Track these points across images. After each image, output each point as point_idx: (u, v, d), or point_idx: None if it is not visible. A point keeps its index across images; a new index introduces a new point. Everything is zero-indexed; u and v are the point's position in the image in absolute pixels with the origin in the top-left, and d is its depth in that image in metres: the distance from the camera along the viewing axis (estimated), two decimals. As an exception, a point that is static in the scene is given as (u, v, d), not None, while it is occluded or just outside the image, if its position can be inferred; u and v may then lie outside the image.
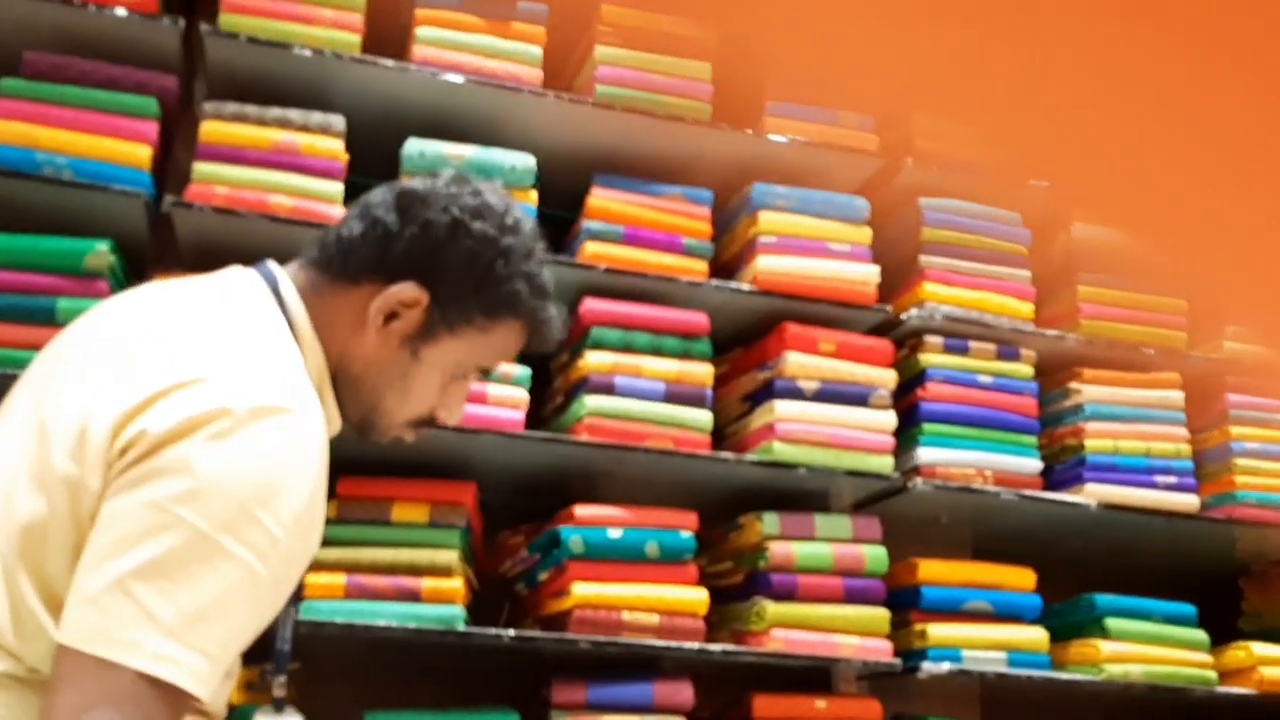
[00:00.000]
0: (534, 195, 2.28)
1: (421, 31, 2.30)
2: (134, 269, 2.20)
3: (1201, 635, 2.49)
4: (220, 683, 1.04)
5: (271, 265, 1.22)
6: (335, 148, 2.19)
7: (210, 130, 2.14)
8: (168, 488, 0.98)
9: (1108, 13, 0.49)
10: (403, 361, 1.21)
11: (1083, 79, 0.52)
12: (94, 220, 2.09)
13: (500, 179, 2.26)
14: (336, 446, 2.20)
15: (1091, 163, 0.57)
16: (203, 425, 1.00)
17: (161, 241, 2.20)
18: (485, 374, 1.28)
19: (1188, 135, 0.52)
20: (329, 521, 2.09)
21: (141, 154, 2.08)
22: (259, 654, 1.15)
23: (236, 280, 1.19)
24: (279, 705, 1.24)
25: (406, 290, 1.18)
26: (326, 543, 2.07)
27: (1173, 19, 0.48)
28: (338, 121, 2.20)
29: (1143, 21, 0.48)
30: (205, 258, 2.18)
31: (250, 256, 2.20)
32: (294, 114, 2.18)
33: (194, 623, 0.97)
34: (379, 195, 1.24)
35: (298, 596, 1.16)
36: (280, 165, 2.14)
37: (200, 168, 2.12)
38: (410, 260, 1.19)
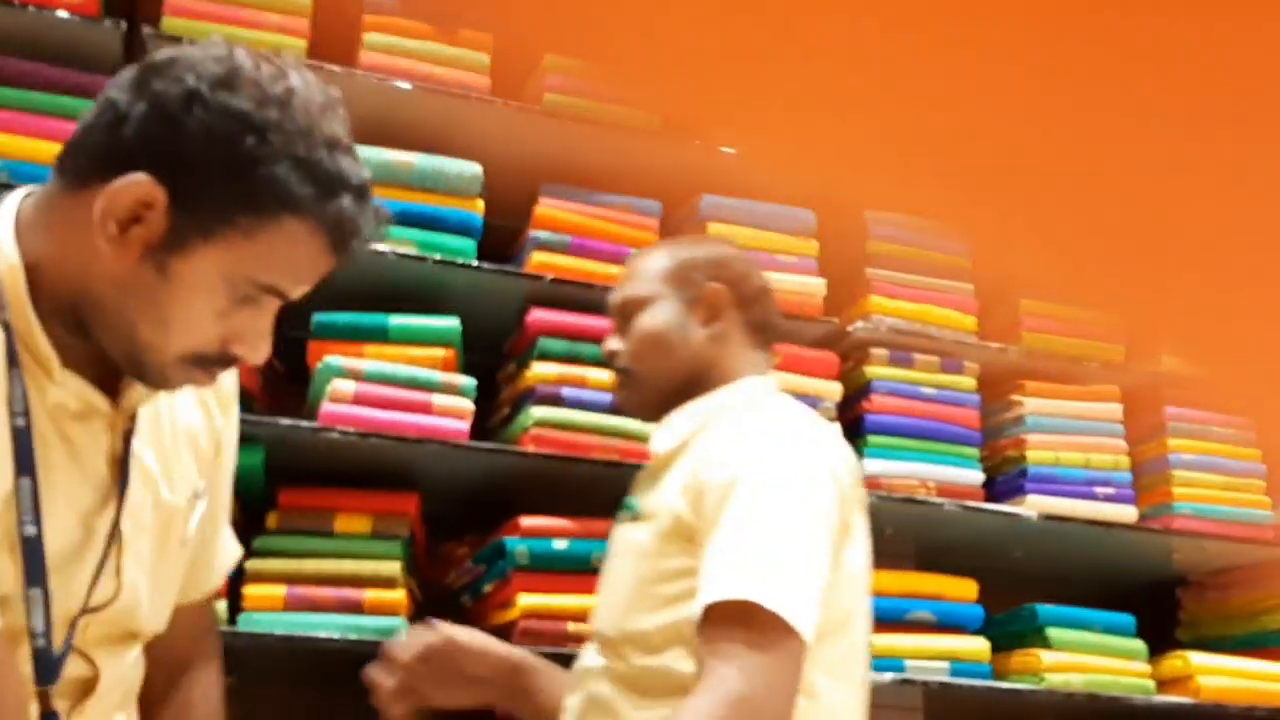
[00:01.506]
0: (480, 204, 2.27)
1: (369, 37, 2.28)
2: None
3: (1140, 645, 2.53)
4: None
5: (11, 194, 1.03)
6: (279, 153, 2.16)
7: (151, 134, 2.11)
8: None
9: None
10: (147, 279, 0.95)
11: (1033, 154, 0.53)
12: (30, 224, 2.05)
13: (446, 187, 2.25)
14: (277, 456, 2.17)
15: (1038, 247, 0.58)
16: None
17: (100, 246, 2.16)
18: (281, 296, 1.00)
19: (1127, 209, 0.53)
20: (271, 532, 2.08)
21: (80, 157, 2.04)
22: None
23: None
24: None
25: (136, 184, 0.93)
26: (267, 553, 2.05)
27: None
28: (282, 127, 2.18)
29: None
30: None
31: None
32: (237, 119, 2.15)
33: None
34: (125, 73, 0.99)
35: (34, 577, 0.94)
36: (223, 170, 2.11)
37: (140, 172, 2.08)
38: (140, 147, 0.94)
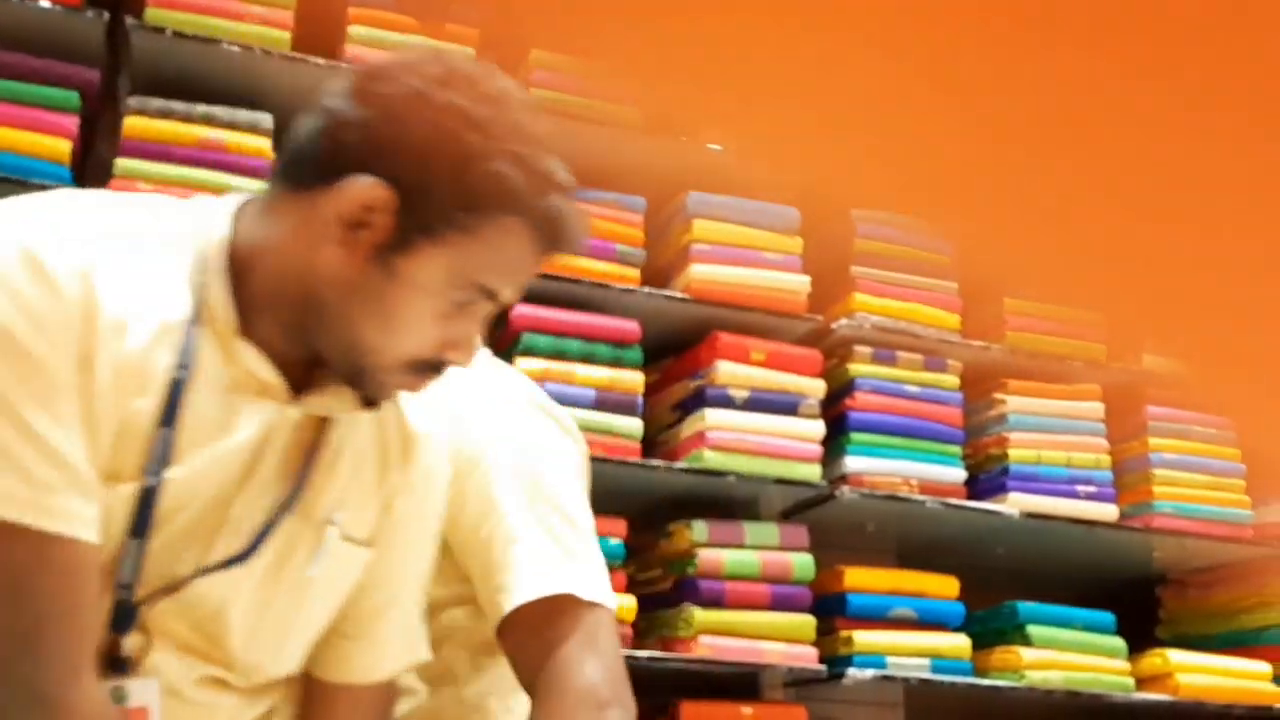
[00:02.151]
0: (466, 198, 2.26)
1: (354, 30, 2.27)
2: (52, 266, 2.14)
3: (1119, 643, 2.54)
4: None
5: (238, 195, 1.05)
6: (263, 146, 2.15)
7: (134, 126, 2.09)
8: None
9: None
10: (375, 281, 0.95)
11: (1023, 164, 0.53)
12: (11, 215, 2.03)
13: (432, 181, 2.24)
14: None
15: (1031, 248, 0.59)
16: None
17: (81, 238, 2.14)
18: (493, 298, 0.99)
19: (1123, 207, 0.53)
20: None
21: (61, 148, 2.03)
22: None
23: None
24: (119, 666, 0.97)
25: (365, 186, 0.93)
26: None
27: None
28: (265, 120, 2.17)
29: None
30: (127, 256, 2.13)
31: (174, 255, 2.15)
32: (220, 111, 2.14)
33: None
34: (338, 84, 0.99)
35: (140, 531, 0.94)
36: (206, 163, 2.10)
37: (123, 164, 2.07)
38: (366, 151, 0.94)
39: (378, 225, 0.94)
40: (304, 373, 1.01)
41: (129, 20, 2.11)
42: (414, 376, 0.99)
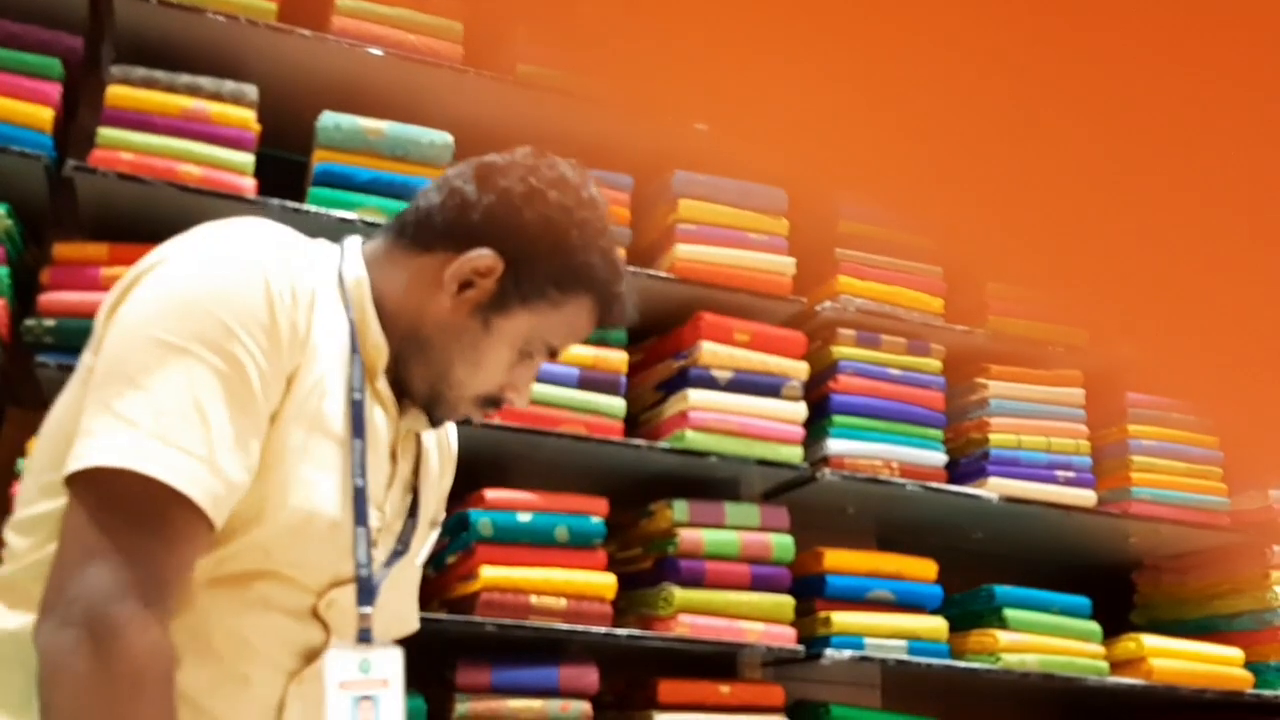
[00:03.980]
0: (451, 174, 2.25)
1: (342, 2, 2.25)
2: (32, 234, 2.13)
3: (1094, 627, 2.57)
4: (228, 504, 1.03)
5: (352, 237, 1.25)
6: (247, 117, 2.13)
7: (117, 94, 2.07)
8: (125, 319, 1.04)
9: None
10: (474, 331, 1.19)
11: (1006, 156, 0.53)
12: (-9, 183, 2.01)
13: (417, 156, 2.23)
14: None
15: (1008, 239, 0.59)
16: (151, 269, 1.07)
17: (62, 207, 2.13)
18: (553, 355, 1.26)
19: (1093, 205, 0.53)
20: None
21: (43, 115, 2.01)
22: None
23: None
24: (365, 637, 1.14)
25: (483, 257, 1.17)
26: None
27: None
28: (250, 91, 2.15)
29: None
30: (107, 224, 2.12)
31: (154, 225, 2.14)
32: (205, 81, 2.12)
33: (171, 422, 0.99)
34: (457, 168, 1.25)
35: (361, 518, 1.13)
36: (189, 133, 2.09)
37: (106, 133, 2.05)
38: (486, 228, 1.19)
39: (484, 288, 1.18)
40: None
41: (113, -13, 2.09)
42: (479, 408, 1.24)
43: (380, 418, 1.19)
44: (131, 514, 0.98)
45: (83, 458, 0.98)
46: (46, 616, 0.96)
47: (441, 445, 1.36)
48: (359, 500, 1.13)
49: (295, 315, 1.09)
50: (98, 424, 0.99)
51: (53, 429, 1.10)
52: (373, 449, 1.16)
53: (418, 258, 1.21)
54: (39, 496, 1.08)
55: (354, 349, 1.16)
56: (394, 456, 1.22)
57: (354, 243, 1.24)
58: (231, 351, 1.03)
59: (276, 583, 1.09)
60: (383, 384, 1.19)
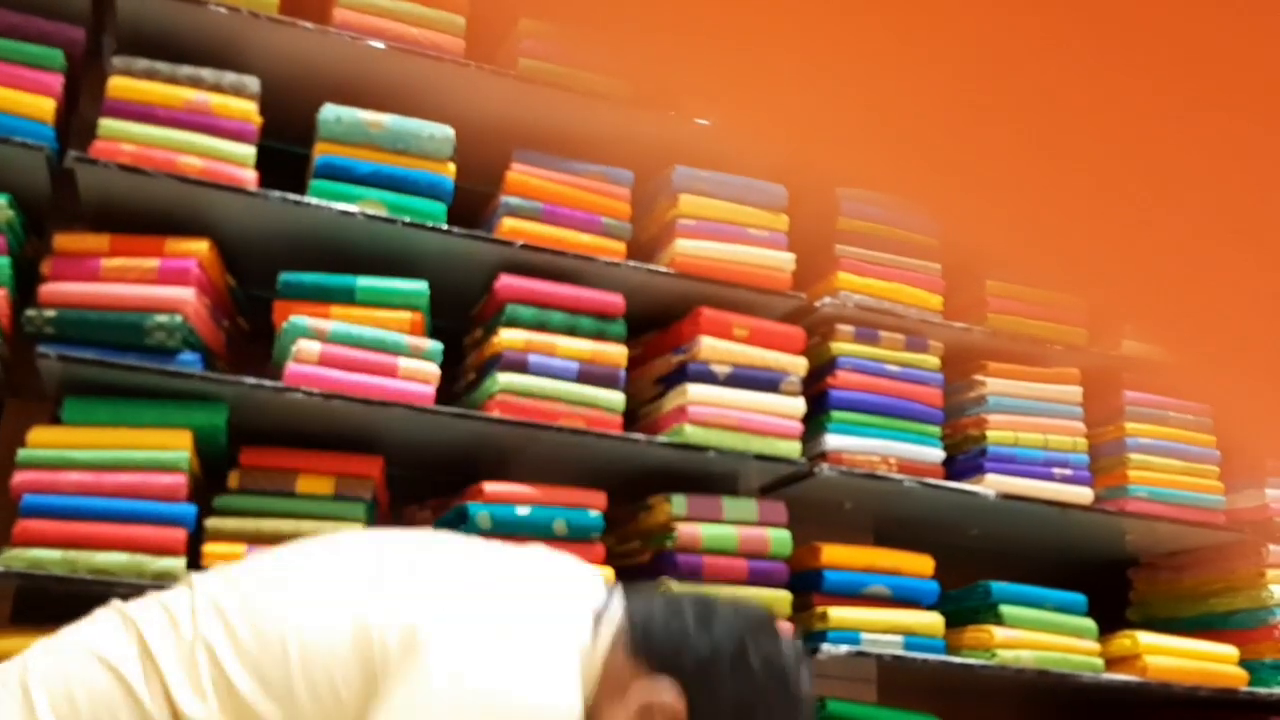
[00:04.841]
0: (452, 167, 2.25)
1: (342, -5, 2.25)
2: (33, 225, 2.13)
3: (1090, 624, 2.57)
4: None
5: (618, 599, 1.32)
6: (248, 109, 2.14)
7: (119, 86, 2.08)
8: (434, 686, 1.17)
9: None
10: None
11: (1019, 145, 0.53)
12: (-8, 173, 2.02)
13: (418, 149, 2.24)
14: (240, 415, 2.16)
15: (1016, 232, 0.59)
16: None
17: (63, 198, 2.13)
18: None
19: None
20: (232, 491, 2.07)
21: (45, 106, 2.01)
22: None
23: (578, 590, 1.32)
24: None
25: (673, 696, 1.24)
26: (228, 512, 2.05)
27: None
28: (252, 83, 2.15)
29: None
30: (108, 215, 2.12)
31: (155, 216, 2.15)
32: (206, 73, 2.13)
33: None
34: (695, 596, 1.34)
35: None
36: (190, 125, 2.09)
37: (107, 124, 2.05)
38: (686, 669, 1.25)
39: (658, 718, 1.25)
40: None
41: (115, -22, 2.09)
42: None
43: None
44: None
45: None
46: None
47: None
48: None
49: None
50: None
51: (305, 654, 1.21)
52: None
53: (628, 662, 1.27)
54: (248, 674, 1.20)
55: None
56: None
57: (616, 611, 1.31)
58: None
59: None
60: None
